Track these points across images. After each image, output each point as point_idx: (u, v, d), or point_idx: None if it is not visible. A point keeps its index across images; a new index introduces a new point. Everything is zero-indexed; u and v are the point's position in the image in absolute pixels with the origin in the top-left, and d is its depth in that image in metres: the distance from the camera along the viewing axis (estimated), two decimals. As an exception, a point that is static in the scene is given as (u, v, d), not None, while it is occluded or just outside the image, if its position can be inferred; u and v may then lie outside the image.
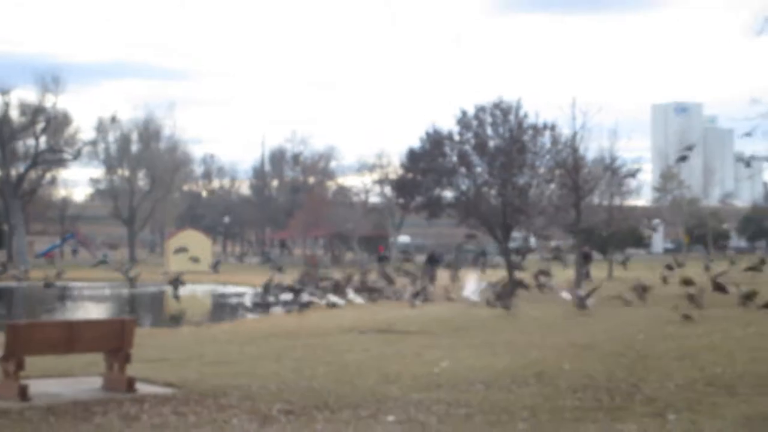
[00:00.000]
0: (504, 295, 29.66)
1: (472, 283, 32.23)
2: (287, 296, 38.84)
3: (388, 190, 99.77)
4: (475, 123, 59.59)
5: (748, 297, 26.83)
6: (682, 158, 14.21)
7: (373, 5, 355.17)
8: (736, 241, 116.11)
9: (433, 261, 56.13)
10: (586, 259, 48.45)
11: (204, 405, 12.13)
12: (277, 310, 34.58)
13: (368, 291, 42.42)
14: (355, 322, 25.54)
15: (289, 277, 44.60)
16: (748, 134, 16.17)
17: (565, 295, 31.26)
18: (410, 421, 10.95)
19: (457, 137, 61.25)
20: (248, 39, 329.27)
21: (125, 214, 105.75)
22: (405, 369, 15.89)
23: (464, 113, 60.32)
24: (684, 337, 20.69)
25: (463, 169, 60.54)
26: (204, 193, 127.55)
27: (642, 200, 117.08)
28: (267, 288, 40.92)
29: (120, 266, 58.98)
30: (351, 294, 39.60)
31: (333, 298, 36.93)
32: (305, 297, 37.61)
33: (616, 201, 63.94)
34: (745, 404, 12.00)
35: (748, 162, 15.42)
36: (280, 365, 16.53)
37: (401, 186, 77.33)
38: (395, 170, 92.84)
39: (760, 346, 18.69)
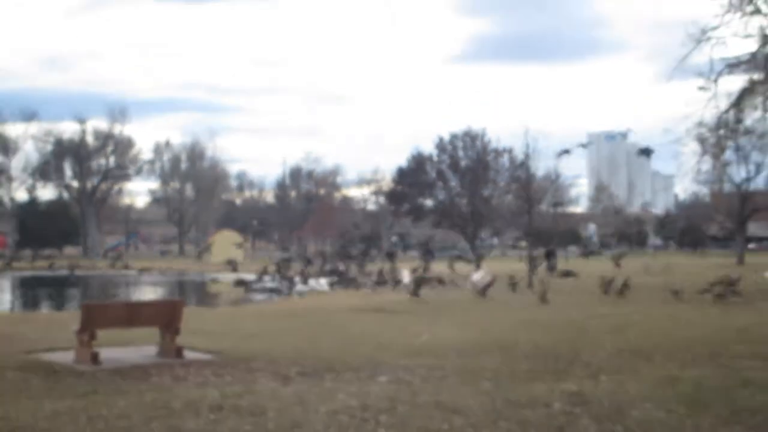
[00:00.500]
0: (417, 285, 28.85)
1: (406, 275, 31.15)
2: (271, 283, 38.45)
3: (381, 199, 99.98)
4: (449, 147, 59.92)
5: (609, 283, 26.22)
6: (565, 151, 13.86)
7: (366, 49, 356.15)
8: (653, 240, 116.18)
9: (428, 254, 55.46)
10: (549, 256, 47.00)
11: (237, 368, 12.09)
12: (258, 296, 33.73)
13: (336, 274, 41.59)
14: (354, 304, 25.47)
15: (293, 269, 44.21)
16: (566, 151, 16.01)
17: (472, 284, 29.78)
18: (399, 381, 10.93)
19: (435, 158, 61.50)
20: (268, 85, 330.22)
21: (176, 218, 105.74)
22: (394, 340, 15.88)
23: (441, 139, 60.75)
24: (612, 316, 20.70)
25: (440, 183, 60.84)
26: (237, 202, 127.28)
27: (579, 208, 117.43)
28: (260, 275, 40.69)
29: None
30: (313, 281, 38.83)
31: (300, 286, 36.15)
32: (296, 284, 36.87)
33: (559, 208, 64.11)
34: (659, 368, 11.99)
35: (646, 152, 14.94)
36: (296, 337, 16.48)
37: (392, 196, 77.52)
38: (387, 184, 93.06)
39: (671, 324, 18.73)
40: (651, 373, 11.49)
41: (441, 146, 60.85)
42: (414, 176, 64.13)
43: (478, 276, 29.59)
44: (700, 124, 20.48)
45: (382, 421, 8.28)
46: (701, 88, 19.86)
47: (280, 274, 39.60)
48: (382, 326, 18.87)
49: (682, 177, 25.45)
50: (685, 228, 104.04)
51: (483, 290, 27.20)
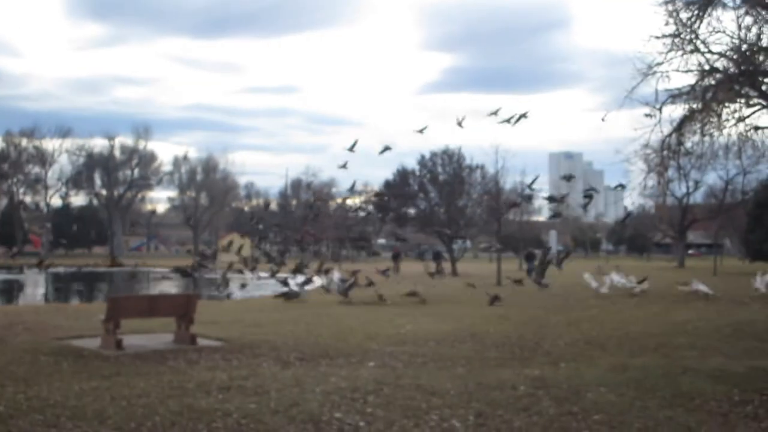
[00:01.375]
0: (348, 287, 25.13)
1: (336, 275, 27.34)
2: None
3: (371, 207, 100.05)
4: (430, 163, 59.90)
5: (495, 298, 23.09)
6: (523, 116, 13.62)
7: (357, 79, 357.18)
8: (606, 246, 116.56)
9: (397, 256, 54.98)
10: (529, 258, 44.21)
11: (243, 354, 12.02)
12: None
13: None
14: (345, 298, 25.37)
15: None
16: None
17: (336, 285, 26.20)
18: (385, 366, 10.89)
19: (417, 173, 61.50)
20: (274, 109, 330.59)
21: (191, 223, 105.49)
22: (381, 330, 15.82)
23: (423, 156, 60.67)
24: (569, 311, 20.71)
25: (421, 195, 60.80)
26: (246, 209, 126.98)
27: (542, 217, 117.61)
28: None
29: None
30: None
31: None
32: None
33: (525, 217, 64.28)
34: (612, 357, 11.98)
35: (621, 186, 14.86)
36: (296, 327, 16.41)
37: (380, 205, 77.51)
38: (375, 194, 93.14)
39: (622, 319, 18.75)
40: (604, 361, 11.48)
41: (422, 162, 60.99)
42: (399, 188, 64.21)
43: (337, 277, 26.82)
44: (646, 145, 20.52)
45: (369, 401, 8.25)
46: (647, 115, 19.94)
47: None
48: (370, 318, 18.81)
49: (630, 191, 25.50)
50: (633, 235, 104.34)
51: (345, 292, 24.85)
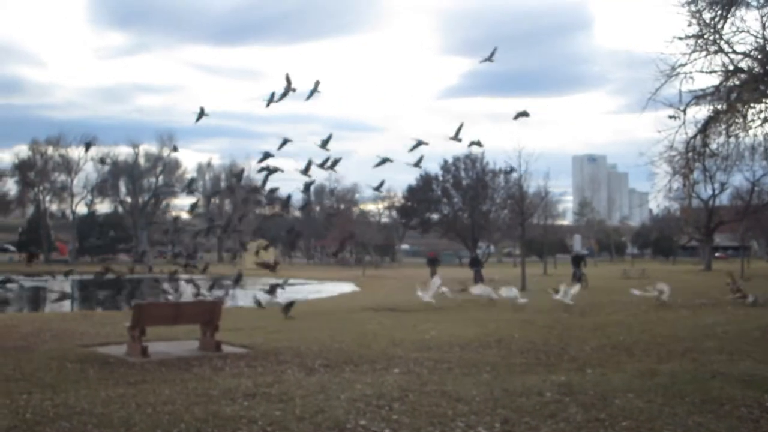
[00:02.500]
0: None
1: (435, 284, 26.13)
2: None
3: (394, 213, 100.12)
4: (453, 168, 59.90)
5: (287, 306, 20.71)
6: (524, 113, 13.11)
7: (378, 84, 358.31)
8: (631, 249, 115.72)
9: (434, 261, 53.59)
10: (577, 261, 39.56)
11: (268, 360, 12.02)
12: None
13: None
14: (369, 304, 25.37)
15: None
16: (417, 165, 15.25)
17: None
18: (410, 372, 10.83)
19: (440, 178, 61.48)
20: (296, 115, 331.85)
21: (225, 227, 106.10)
22: (406, 336, 15.77)
23: (446, 161, 60.77)
24: (595, 315, 20.54)
25: (445, 200, 60.79)
26: (269, 215, 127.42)
27: (566, 221, 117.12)
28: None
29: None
30: None
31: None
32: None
33: (549, 221, 63.99)
34: (638, 362, 11.86)
35: (524, 114, 13.46)
36: (320, 333, 16.40)
37: (403, 210, 77.48)
38: (399, 200, 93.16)
39: (649, 321, 18.57)
40: (631, 366, 11.35)
41: (445, 167, 61.04)
42: (422, 193, 64.23)
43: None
44: (671, 147, 20.37)
45: (395, 408, 8.19)
46: (671, 117, 19.81)
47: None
48: (394, 323, 18.77)
49: (655, 194, 25.24)
50: (659, 239, 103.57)
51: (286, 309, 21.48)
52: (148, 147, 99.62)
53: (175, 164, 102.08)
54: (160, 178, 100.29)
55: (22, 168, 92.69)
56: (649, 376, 10.22)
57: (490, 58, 15.07)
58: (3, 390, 9.44)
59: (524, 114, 14.79)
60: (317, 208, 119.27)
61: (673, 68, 18.98)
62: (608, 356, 12.63)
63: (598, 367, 11.31)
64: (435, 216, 63.37)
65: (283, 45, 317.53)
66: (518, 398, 8.67)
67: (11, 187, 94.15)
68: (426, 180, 64.61)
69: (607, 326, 17.56)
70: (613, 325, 17.78)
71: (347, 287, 47.33)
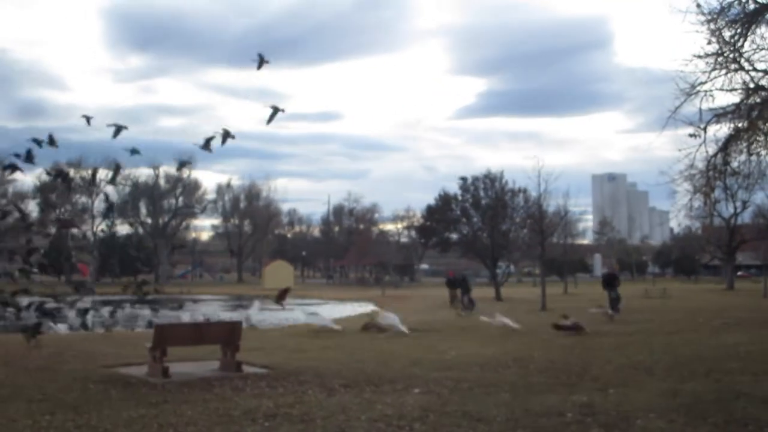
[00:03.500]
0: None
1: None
2: None
3: (413, 233, 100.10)
4: (472, 188, 59.86)
5: None
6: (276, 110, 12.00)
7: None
8: (652, 268, 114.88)
9: (454, 283, 48.63)
10: (611, 281, 31.69)
11: (288, 381, 12.04)
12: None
13: None
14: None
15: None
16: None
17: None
18: (430, 392, 10.81)
19: (459, 197, 61.48)
20: (315, 136, 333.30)
21: (235, 250, 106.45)
22: (425, 356, 15.75)
23: (464, 180, 60.74)
24: (616, 335, 20.40)
25: (464, 219, 60.71)
26: (289, 235, 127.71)
27: (586, 240, 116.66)
28: None
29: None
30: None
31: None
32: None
33: (569, 240, 63.76)
34: (660, 382, 11.77)
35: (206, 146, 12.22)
36: (339, 353, 16.42)
37: (422, 230, 77.51)
38: (418, 220, 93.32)
39: (670, 342, 18.42)
40: (653, 386, 11.28)
41: (464, 187, 61.00)
42: (441, 213, 64.27)
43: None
44: (692, 166, 20.29)
45: (415, 428, 8.20)
46: (692, 135, 19.75)
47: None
48: (412, 343, 18.74)
49: (676, 213, 25.17)
50: (680, 258, 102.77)
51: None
52: (168, 168, 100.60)
53: (195, 185, 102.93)
54: (180, 199, 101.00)
55: (43, 190, 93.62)
56: (671, 396, 10.16)
57: None
58: (26, 411, 9.53)
59: (277, 110, 13.81)
60: (336, 228, 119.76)
61: (693, 86, 18.94)
62: (629, 376, 12.54)
63: (619, 386, 11.23)
64: (454, 235, 63.25)
65: (300, 66, 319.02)
66: (539, 418, 8.65)
67: (33, 208, 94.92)
68: (445, 199, 64.70)
69: (627, 345, 17.44)
70: (634, 345, 17.66)
71: (367, 307, 47.27)
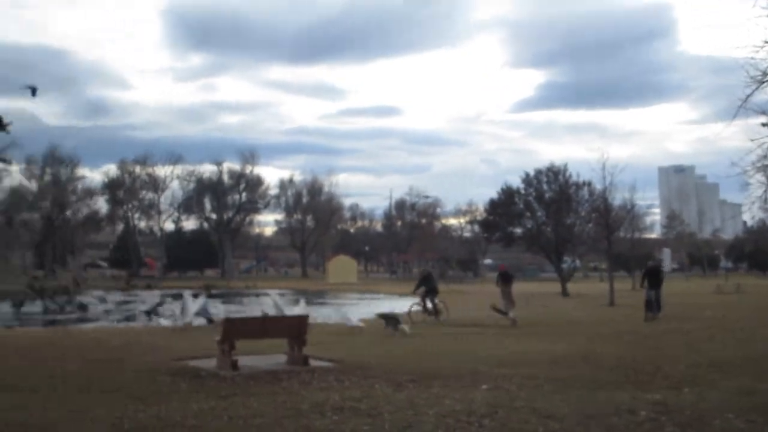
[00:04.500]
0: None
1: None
2: None
3: (476, 227, 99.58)
4: (535, 181, 59.19)
5: None
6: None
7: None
8: (724, 263, 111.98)
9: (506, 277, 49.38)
10: (655, 276, 27.49)
11: (355, 375, 12.10)
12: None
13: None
14: (452, 319, 25.25)
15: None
16: None
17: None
18: (498, 388, 10.72)
19: (523, 191, 60.88)
20: (376, 131, 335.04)
21: (298, 245, 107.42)
22: (490, 352, 15.65)
23: (527, 174, 60.11)
24: (686, 333, 19.97)
25: (527, 213, 60.11)
26: (351, 230, 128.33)
27: (654, 234, 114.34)
28: None
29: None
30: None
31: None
32: None
33: (636, 234, 62.62)
34: (734, 379, 11.47)
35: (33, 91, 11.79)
36: (403, 349, 16.42)
37: (485, 225, 77.05)
38: (481, 214, 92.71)
39: (744, 338, 17.98)
40: (728, 384, 10.99)
41: (527, 181, 60.29)
42: (504, 207, 63.71)
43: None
44: (765, 157, 19.63)
45: (484, 424, 8.15)
46: (764, 124, 19.09)
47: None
48: (476, 339, 18.64)
49: (749, 205, 24.32)
50: (754, 252, 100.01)
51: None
52: (232, 164, 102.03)
53: (258, 181, 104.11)
54: (244, 194, 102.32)
55: (111, 187, 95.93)
56: (748, 394, 9.89)
57: None
58: (100, 401, 9.77)
59: (32, 91, 13.25)
60: (398, 223, 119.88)
61: (765, 74, 18.34)
62: (703, 374, 12.23)
63: (693, 385, 10.97)
64: (518, 230, 62.65)
65: (358, 62, 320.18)
66: (611, 417, 8.50)
67: (102, 205, 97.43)
68: (508, 193, 64.03)
69: (700, 342, 17.07)
70: (706, 341, 17.26)
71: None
